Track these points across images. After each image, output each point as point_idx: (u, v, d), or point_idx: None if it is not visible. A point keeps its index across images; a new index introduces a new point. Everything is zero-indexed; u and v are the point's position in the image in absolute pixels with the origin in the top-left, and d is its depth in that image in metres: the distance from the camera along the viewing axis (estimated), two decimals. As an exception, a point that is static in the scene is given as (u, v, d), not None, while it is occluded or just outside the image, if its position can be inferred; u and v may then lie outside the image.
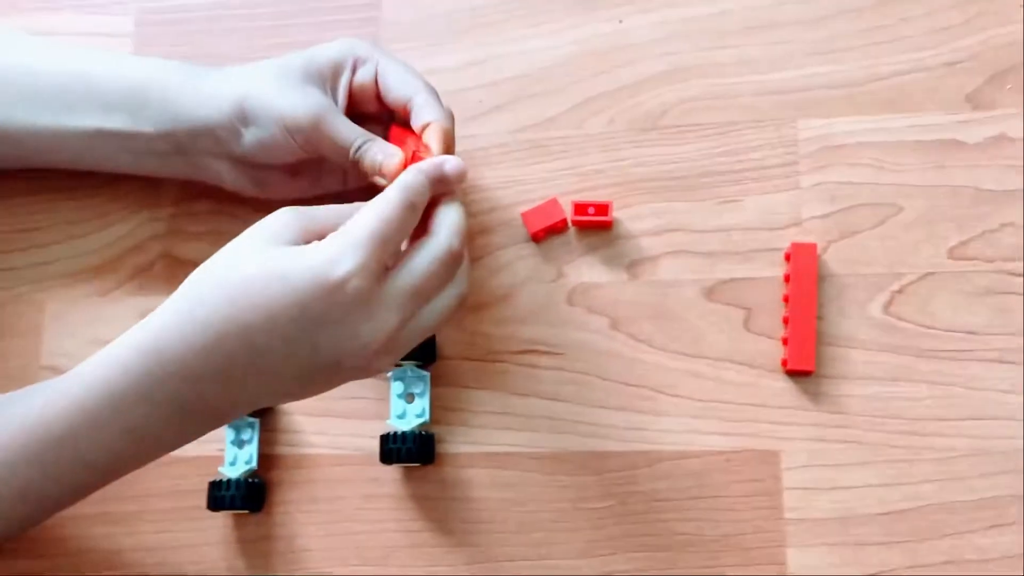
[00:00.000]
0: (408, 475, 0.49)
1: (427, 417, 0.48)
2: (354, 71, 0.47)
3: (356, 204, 0.40)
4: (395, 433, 0.48)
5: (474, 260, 0.52)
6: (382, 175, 0.45)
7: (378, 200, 0.39)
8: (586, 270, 0.51)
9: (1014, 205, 0.49)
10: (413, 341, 0.40)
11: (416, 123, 0.46)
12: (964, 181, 0.50)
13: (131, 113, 0.49)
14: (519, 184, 0.52)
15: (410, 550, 0.48)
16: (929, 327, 0.48)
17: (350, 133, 0.46)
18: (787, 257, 0.49)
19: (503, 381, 0.50)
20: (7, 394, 0.43)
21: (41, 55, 0.51)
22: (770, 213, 0.50)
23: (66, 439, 0.40)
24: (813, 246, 0.48)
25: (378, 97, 0.48)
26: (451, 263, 0.40)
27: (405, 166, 0.44)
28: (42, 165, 0.54)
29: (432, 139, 0.45)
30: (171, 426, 0.41)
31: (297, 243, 0.39)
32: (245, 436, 0.49)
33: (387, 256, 0.39)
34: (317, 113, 0.45)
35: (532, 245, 0.52)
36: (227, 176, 0.50)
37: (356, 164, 0.46)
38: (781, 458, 0.47)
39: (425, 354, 0.49)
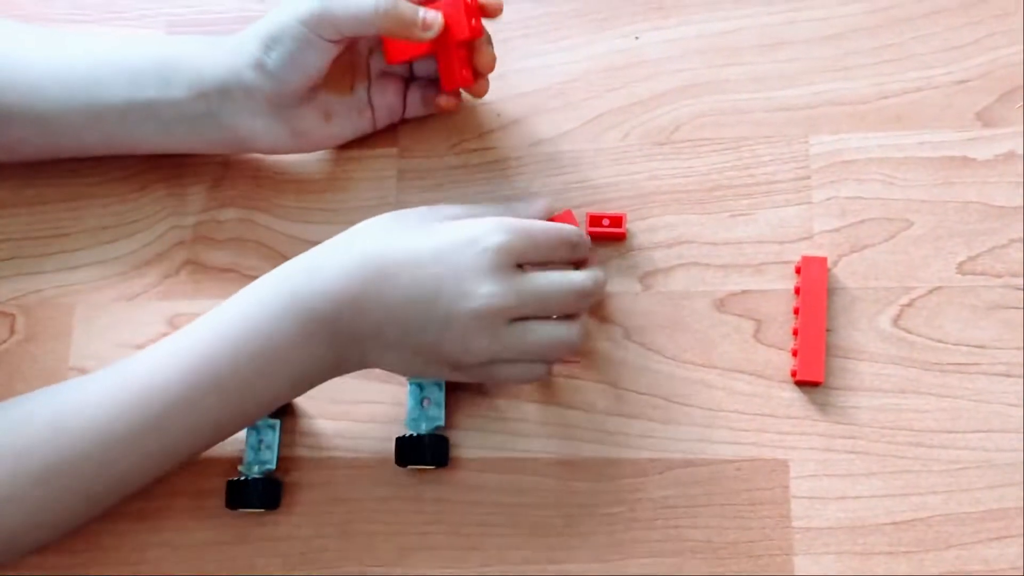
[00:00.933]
0: (424, 478, 0.50)
1: (442, 421, 0.49)
2: None
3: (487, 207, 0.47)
4: (410, 436, 0.49)
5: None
6: (426, 27, 0.48)
7: (547, 222, 0.47)
8: (600, 281, 0.52)
9: (1022, 221, 0.50)
10: (516, 345, 0.44)
11: None
12: (973, 197, 0.50)
13: (160, 82, 0.50)
14: (535, 196, 0.54)
15: (425, 552, 0.49)
16: (937, 341, 0.49)
17: None
18: (798, 270, 0.50)
19: (519, 388, 0.51)
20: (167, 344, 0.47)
21: (67, 39, 0.52)
22: (781, 227, 0.51)
23: (244, 390, 0.45)
24: (823, 259, 0.49)
25: None
26: (581, 300, 0.45)
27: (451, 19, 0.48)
28: (74, 151, 0.55)
29: None
30: (326, 360, 0.46)
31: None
32: (265, 437, 0.50)
33: (532, 249, 0.44)
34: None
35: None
36: (262, 132, 0.51)
37: (387, 17, 0.47)
38: (790, 467, 0.48)
39: None
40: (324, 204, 0.55)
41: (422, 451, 0.48)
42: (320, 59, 0.49)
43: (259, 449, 0.50)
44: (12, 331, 0.55)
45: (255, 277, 0.54)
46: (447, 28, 0.49)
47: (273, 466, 0.50)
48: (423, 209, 0.47)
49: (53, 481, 0.44)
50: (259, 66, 0.48)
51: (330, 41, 0.48)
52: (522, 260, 0.44)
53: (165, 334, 0.53)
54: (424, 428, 0.49)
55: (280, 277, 0.46)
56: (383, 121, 0.54)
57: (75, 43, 0.52)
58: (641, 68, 0.55)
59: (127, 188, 0.57)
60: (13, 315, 0.55)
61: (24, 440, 0.44)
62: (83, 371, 0.54)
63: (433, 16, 0.48)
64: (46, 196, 0.57)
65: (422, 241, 0.44)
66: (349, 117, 0.53)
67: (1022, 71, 0.52)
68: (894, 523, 0.47)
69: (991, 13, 0.53)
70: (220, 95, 0.49)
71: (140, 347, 0.53)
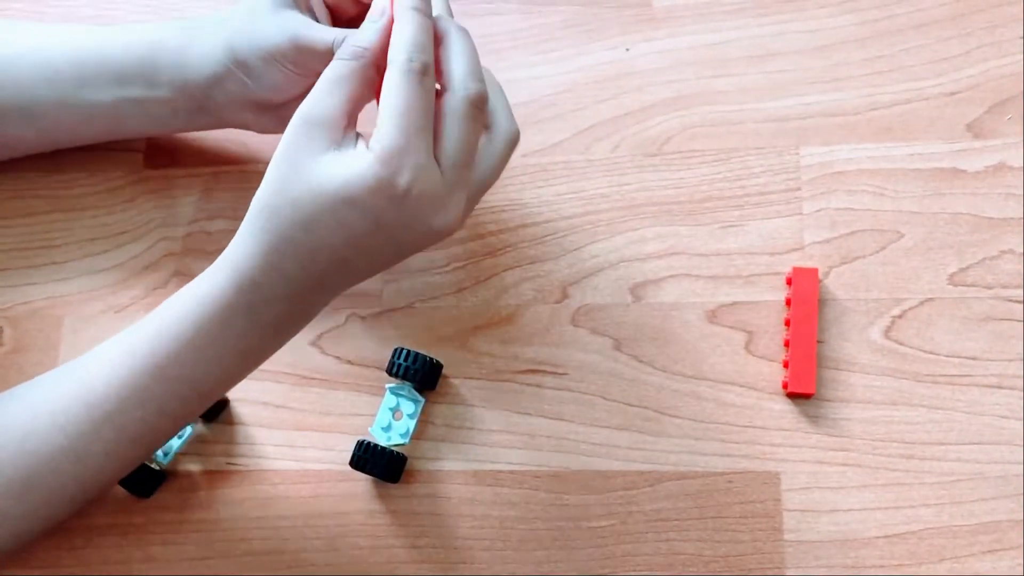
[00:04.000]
0: (413, 492, 0.50)
1: (408, 440, 0.49)
2: None
3: (342, 60, 0.40)
4: (371, 444, 0.48)
5: (480, 281, 0.53)
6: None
7: (392, 84, 0.39)
8: (590, 292, 0.52)
9: (1014, 233, 0.50)
10: (481, 194, 0.42)
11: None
12: (964, 209, 0.50)
13: (145, 81, 0.50)
14: (524, 207, 0.54)
15: (413, 566, 0.49)
16: (929, 352, 0.48)
17: (327, 36, 0.45)
18: (788, 281, 0.50)
19: (507, 400, 0.51)
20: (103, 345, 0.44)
21: (55, 36, 0.52)
22: (772, 238, 0.51)
23: (181, 375, 0.42)
24: (814, 271, 0.49)
25: (356, 4, 0.48)
26: (477, 109, 0.40)
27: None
28: (71, 144, 0.55)
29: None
30: (273, 340, 0.43)
31: (336, 144, 0.39)
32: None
33: (429, 136, 0.39)
34: (292, 31, 0.45)
35: (537, 266, 0.52)
36: (253, 122, 0.50)
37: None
38: (781, 480, 0.48)
39: (427, 380, 0.50)
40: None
41: (377, 463, 0.48)
42: (301, 84, 0.48)
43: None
44: (1, 343, 0.55)
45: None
46: None
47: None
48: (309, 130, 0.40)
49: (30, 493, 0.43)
50: (239, 81, 0.48)
51: (304, 75, 0.47)
52: (430, 139, 0.40)
53: (153, 346, 0.54)
54: (387, 441, 0.49)
55: (237, 291, 0.41)
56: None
57: (57, 40, 0.52)
58: (631, 79, 0.55)
59: (116, 199, 0.57)
60: (1, 327, 0.55)
61: None
62: (70, 383, 0.54)
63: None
64: (35, 207, 0.57)
65: (349, 221, 0.39)
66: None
67: (1013, 82, 0.52)
68: (886, 536, 0.46)
69: (981, 25, 0.53)
70: (204, 94, 0.49)
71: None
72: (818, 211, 0.51)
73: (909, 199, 0.51)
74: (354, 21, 0.48)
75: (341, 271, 0.41)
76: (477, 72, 0.41)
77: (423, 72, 0.39)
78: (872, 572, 0.46)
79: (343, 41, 0.43)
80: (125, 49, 0.50)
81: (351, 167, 0.39)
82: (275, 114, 0.50)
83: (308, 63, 0.46)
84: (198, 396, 0.43)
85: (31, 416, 0.43)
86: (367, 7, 0.47)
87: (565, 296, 0.52)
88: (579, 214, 0.53)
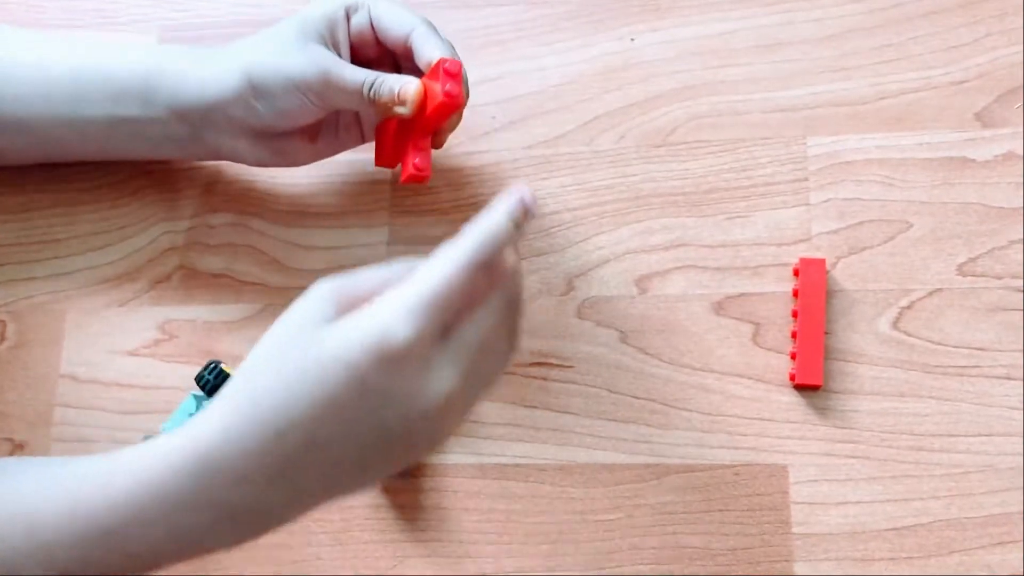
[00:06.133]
0: (418, 486, 0.50)
1: None
2: (348, 21, 0.48)
3: (404, 264, 0.37)
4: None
5: (485, 274, 0.52)
6: (401, 102, 0.46)
7: (446, 258, 0.35)
8: (596, 284, 0.51)
9: (1022, 222, 0.49)
10: (478, 395, 0.37)
11: (420, 62, 0.46)
12: (973, 198, 0.50)
13: (143, 100, 0.49)
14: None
15: (419, 560, 0.49)
16: (938, 343, 0.48)
17: (359, 76, 0.46)
18: (796, 272, 0.49)
19: (513, 393, 0.50)
20: (55, 459, 0.40)
21: (53, 49, 0.52)
22: (779, 229, 0.51)
23: (112, 531, 0.37)
24: (822, 261, 0.49)
25: (378, 41, 0.49)
26: (515, 315, 0.37)
27: (427, 91, 0.45)
28: (64, 158, 0.55)
29: (448, 65, 0.45)
30: (222, 531, 0.37)
31: (342, 314, 0.35)
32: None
33: (449, 317, 0.35)
34: (323, 66, 0.46)
35: (542, 259, 0.52)
36: (246, 153, 0.50)
37: (374, 103, 0.46)
38: (789, 472, 0.47)
39: None
40: (317, 208, 0.55)
41: None
42: (312, 116, 0.48)
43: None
44: (3, 338, 0.55)
45: (248, 282, 0.54)
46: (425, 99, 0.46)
47: None
48: (317, 305, 0.36)
49: None
50: (246, 105, 0.48)
51: (323, 108, 0.48)
52: (447, 321, 0.35)
53: (157, 340, 0.53)
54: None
55: (187, 458, 0.36)
56: (371, 136, 0.53)
57: (58, 54, 0.51)
58: (637, 70, 0.54)
59: (118, 193, 0.56)
60: (4, 322, 0.55)
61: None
62: (74, 378, 0.53)
63: (407, 91, 0.46)
64: (37, 202, 0.57)
65: (334, 383, 0.34)
66: (336, 135, 0.52)
67: (1021, 71, 0.51)
68: (895, 528, 0.46)
69: (989, 13, 0.52)
70: (202, 119, 0.49)
71: (132, 353, 0.53)
72: (826, 202, 0.51)
73: (918, 189, 0.50)
74: (374, 61, 0.49)
75: (313, 458, 0.35)
76: (520, 277, 0.38)
77: (486, 269, 0.35)
78: (881, 565, 0.46)
79: (375, 82, 0.46)
80: (125, 67, 0.50)
81: (351, 324, 0.34)
82: (270, 144, 0.50)
83: (334, 98, 0.47)
84: (127, 559, 0.38)
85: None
86: (388, 50, 0.49)
87: (571, 288, 0.51)
88: (584, 206, 0.53)
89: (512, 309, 0.37)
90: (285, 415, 0.34)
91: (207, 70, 0.48)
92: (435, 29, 0.47)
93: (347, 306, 0.35)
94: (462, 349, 0.35)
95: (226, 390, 0.36)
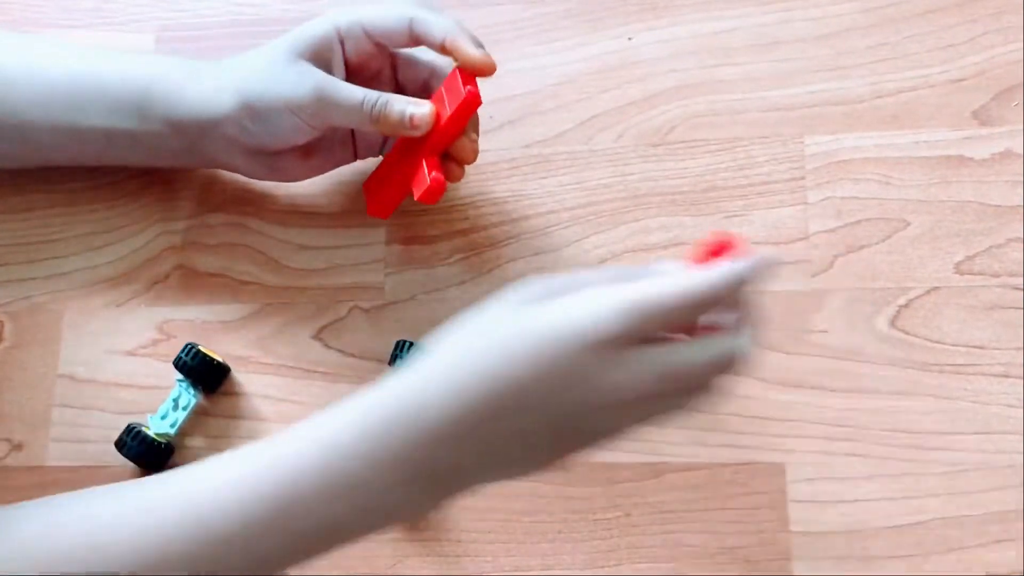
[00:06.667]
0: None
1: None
2: (342, 42, 0.48)
3: (618, 269, 0.38)
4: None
5: (483, 273, 0.52)
6: (414, 127, 0.45)
7: (678, 277, 0.35)
8: (594, 283, 0.51)
9: (1020, 220, 0.49)
10: (651, 415, 0.37)
11: (429, 52, 0.46)
12: (970, 197, 0.50)
13: (139, 114, 0.49)
14: (527, 198, 0.53)
15: (418, 560, 0.49)
16: (936, 341, 0.48)
17: (355, 94, 0.46)
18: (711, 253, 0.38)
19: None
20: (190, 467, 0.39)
21: (52, 57, 0.52)
22: (776, 228, 0.51)
23: (305, 500, 0.36)
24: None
25: (378, 51, 0.48)
26: (726, 369, 0.36)
27: (449, 106, 0.45)
28: (66, 163, 0.55)
29: (461, 49, 0.45)
30: (411, 494, 0.37)
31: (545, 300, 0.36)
32: (183, 402, 0.50)
33: (656, 329, 0.35)
34: (317, 86, 0.46)
35: (540, 258, 0.52)
36: (241, 166, 0.51)
37: (377, 122, 0.46)
38: (787, 471, 0.47)
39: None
40: (315, 208, 0.55)
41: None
42: (306, 136, 0.48)
43: (175, 409, 0.51)
44: (1, 338, 0.55)
45: (246, 282, 0.54)
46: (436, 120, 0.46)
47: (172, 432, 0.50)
48: (527, 290, 0.37)
49: None
50: (240, 125, 0.48)
51: (317, 128, 0.48)
52: (656, 332, 0.36)
53: (155, 340, 0.53)
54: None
55: (384, 419, 0.36)
56: (365, 153, 0.53)
57: (56, 62, 0.51)
58: (635, 69, 0.54)
59: (116, 194, 0.56)
60: (2, 322, 0.55)
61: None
62: (72, 378, 0.53)
63: (420, 116, 0.46)
64: (35, 203, 0.57)
65: (539, 351, 0.35)
66: (331, 152, 0.52)
67: (1019, 69, 0.51)
68: (893, 527, 0.46)
69: (986, 11, 0.53)
70: (198, 134, 0.49)
71: (130, 353, 0.53)
72: (823, 200, 0.51)
73: (915, 187, 0.50)
74: (374, 78, 0.49)
75: (500, 423, 0.35)
76: (747, 351, 0.37)
77: (714, 300, 0.35)
78: (879, 563, 0.46)
79: (377, 101, 0.45)
80: (122, 79, 0.50)
81: (560, 305, 0.35)
82: (265, 161, 0.50)
83: (329, 117, 0.47)
84: (321, 535, 0.37)
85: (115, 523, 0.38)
86: (392, 64, 0.49)
87: (569, 287, 0.51)
88: (582, 205, 0.53)
89: (724, 363, 0.36)
90: (488, 377, 0.35)
91: (203, 86, 0.48)
92: (429, 9, 0.47)
93: (558, 295, 0.36)
94: (658, 361, 0.35)
95: (422, 362, 0.37)
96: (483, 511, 0.49)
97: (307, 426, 0.38)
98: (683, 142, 0.53)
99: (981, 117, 0.51)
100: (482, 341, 0.36)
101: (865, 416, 0.48)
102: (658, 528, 0.47)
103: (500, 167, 0.54)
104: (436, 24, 0.46)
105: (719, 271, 0.35)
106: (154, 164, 0.54)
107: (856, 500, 0.47)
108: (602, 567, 0.47)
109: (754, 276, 0.36)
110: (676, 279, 0.35)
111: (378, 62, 0.49)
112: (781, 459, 0.48)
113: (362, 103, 0.46)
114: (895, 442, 0.47)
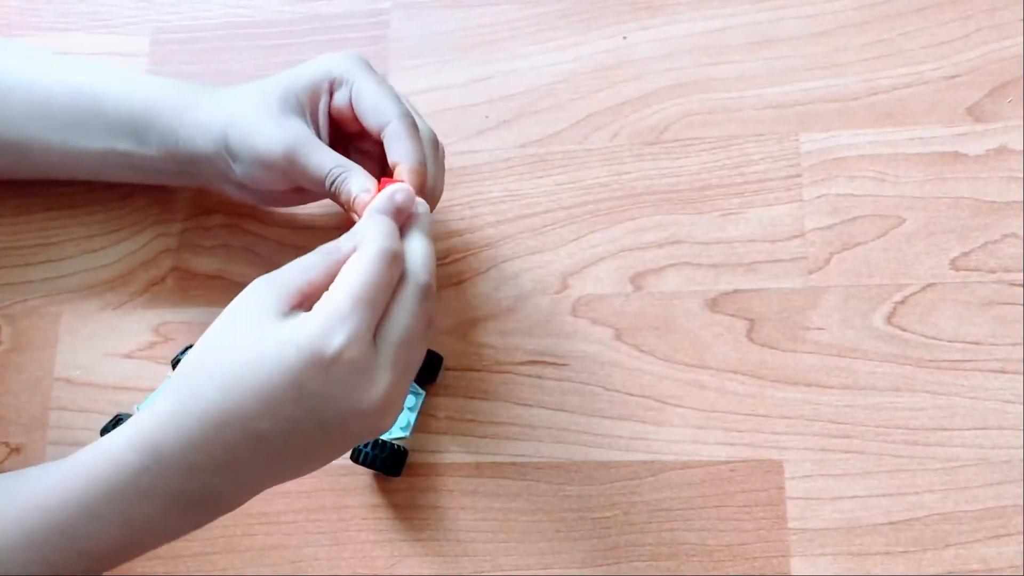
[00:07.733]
0: (414, 485, 0.50)
1: (408, 433, 0.49)
2: (331, 94, 0.46)
3: (321, 251, 0.39)
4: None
5: (480, 273, 0.52)
6: (354, 211, 0.43)
7: (358, 261, 0.38)
8: (590, 282, 0.51)
9: (1015, 216, 0.49)
10: (409, 382, 0.39)
11: (390, 159, 0.44)
12: (965, 193, 0.50)
13: (136, 137, 0.49)
14: (523, 198, 0.53)
15: (416, 559, 0.49)
16: (932, 338, 0.48)
17: (324, 164, 0.44)
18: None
19: (508, 392, 0.50)
20: (9, 473, 0.41)
21: (52, 73, 0.51)
22: (772, 225, 0.51)
23: (65, 530, 0.38)
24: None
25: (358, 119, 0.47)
26: (428, 300, 0.39)
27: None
28: (63, 177, 0.55)
29: (403, 178, 0.43)
30: (172, 519, 0.38)
31: (281, 312, 0.37)
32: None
33: (376, 315, 0.37)
34: (290, 146, 0.45)
35: (536, 257, 0.52)
36: (233, 194, 0.51)
37: (334, 196, 0.44)
38: (784, 468, 0.47)
39: (428, 373, 0.50)
40: (310, 208, 0.55)
41: (377, 457, 0.48)
42: (285, 185, 0.47)
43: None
44: (-2, 341, 0.55)
45: (243, 283, 0.53)
46: None
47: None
48: (255, 301, 0.38)
49: None
50: (225, 163, 0.47)
51: (287, 184, 0.47)
52: (376, 319, 0.38)
53: (151, 342, 0.53)
54: (388, 434, 0.49)
55: (134, 451, 0.38)
56: None
57: (56, 82, 0.51)
58: (629, 68, 0.54)
59: (112, 196, 0.56)
60: (-1, 325, 0.55)
61: None
62: (69, 381, 0.53)
63: (361, 202, 0.43)
64: (31, 206, 0.57)
65: (270, 381, 0.36)
66: (321, 187, 0.51)
67: (1013, 65, 0.51)
68: (891, 523, 0.46)
69: (980, 8, 0.53)
70: (190, 163, 0.49)
71: (127, 355, 0.53)
72: (819, 197, 0.51)
73: (910, 184, 0.50)
74: (354, 138, 0.48)
75: (255, 448, 0.37)
76: (432, 265, 0.40)
77: (393, 259, 0.38)
78: (877, 559, 0.46)
79: (338, 177, 0.44)
80: (120, 101, 0.50)
81: (288, 329, 0.36)
82: (255, 193, 0.50)
83: (299, 178, 0.46)
84: (80, 558, 0.38)
85: None
86: (366, 132, 0.46)
87: (565, 287, 0.52)
88: (578, 204, 0.53)
89: (425, 295, 0.39)
90: (226, 408, 0.36)
91: (197, 116, 0.48)
92: (412, 122, 0.44)
93: (287, 297, 0.38)
94: (389, 348, 0.37)
95: (172, 381, 0.38)
96: (481, 510, 0.49)
97: (81, 456, 0.38)
98: (678, 141, 0.53)
99: (976, 113, 0.51)
100: (220, 370, 0.37)
101: (862, 413, 0.48)
102: (656, 526, 0.48)
103: (496, 167, 0.54)
104: (404, 144, 0.44)
105: (376, 225, 0.39)
106: (152, 183, 0.54)
107: (854, 496, 0.47)
108: (600, 566, 0.47)
109: (403, 202, 0.40)
110: (364, 257, 0.37)
111: (356, 126, 0.47)
112: (779, 456, 0.48)
113: (328, 174, 0.44)
114: (892, 438, 0.47)
